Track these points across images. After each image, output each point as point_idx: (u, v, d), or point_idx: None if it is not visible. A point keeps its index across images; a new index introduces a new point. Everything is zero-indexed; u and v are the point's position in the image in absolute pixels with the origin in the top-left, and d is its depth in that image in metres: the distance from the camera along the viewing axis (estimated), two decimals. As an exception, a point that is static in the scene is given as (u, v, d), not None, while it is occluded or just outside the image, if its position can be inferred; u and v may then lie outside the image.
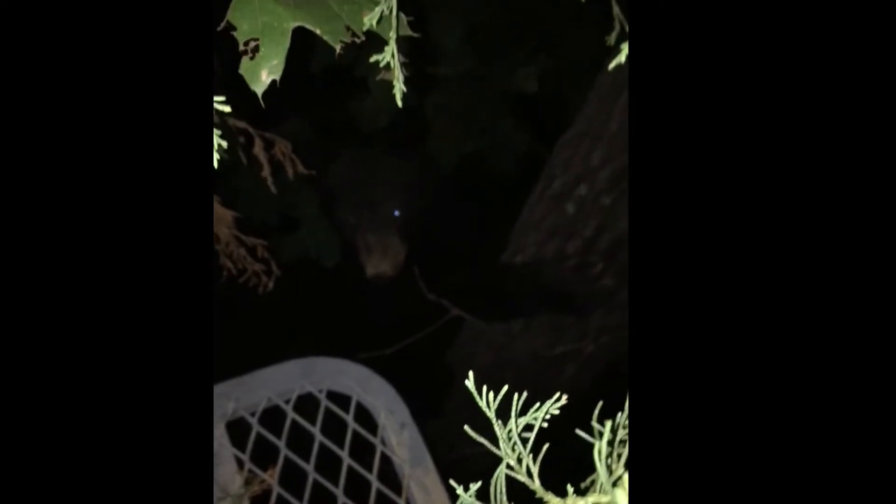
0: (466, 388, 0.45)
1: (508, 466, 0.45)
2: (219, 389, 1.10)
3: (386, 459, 1.10)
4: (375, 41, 0.59)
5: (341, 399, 1.14)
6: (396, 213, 1.67)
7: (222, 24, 0.57)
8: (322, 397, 1.13)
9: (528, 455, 0.44)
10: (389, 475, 1.09)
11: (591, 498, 0.39)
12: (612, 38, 0.68)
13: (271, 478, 1.05)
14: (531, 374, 1.82)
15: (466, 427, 0.46)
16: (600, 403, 0.45)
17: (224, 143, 0.50)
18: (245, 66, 0.56)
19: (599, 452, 0.36)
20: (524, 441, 0.45)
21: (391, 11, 0.57)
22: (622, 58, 0.39)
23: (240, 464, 1.06)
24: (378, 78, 0.60)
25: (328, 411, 1.12)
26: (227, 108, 0.47)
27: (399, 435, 1.12)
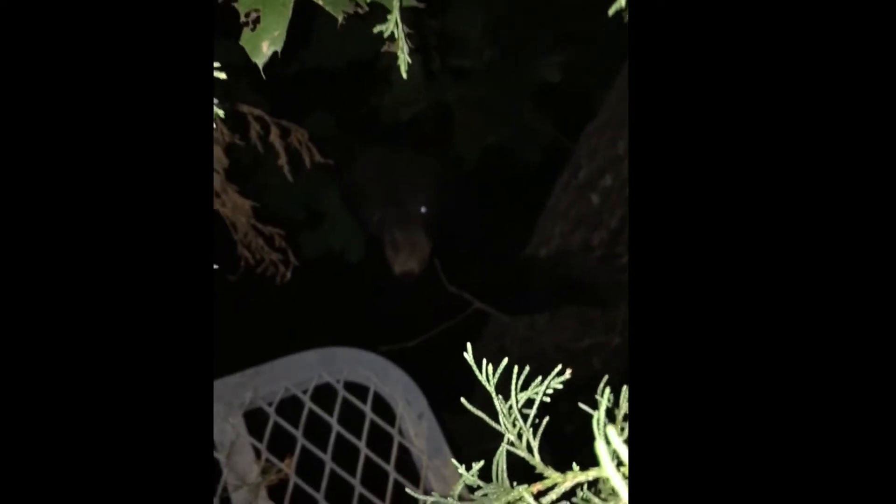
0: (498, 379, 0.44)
1: (509, 442, 0.43)
2: (236, 379, 1.10)
3: (403, 450, 1.09)
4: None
5: (359, 389, 1.13)
6: (423, 209, 1.66)
7: (223, -3, 0.56)
8: (339, 387, 1.12)
9: (529, 430, 0.42)
10: (407, 466, 1.08)
11: (592, 472, 0.37)
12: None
13: (288, 467, 1.05)
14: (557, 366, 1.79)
15: (463, 399, 0.44)
16: (606, 377, 0.43)
17: (221, 113, 0.49)
18: (246, 38, 0.55)
19: (598, 422, 0.34)
20: (525, 417, 0.43)
21: (394, -20, 0.56)
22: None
23: (257, 453, 1.06)
24: (382, 50, 0.59)
25: (346, 401, 1.11)
26: (223, 75, 0.46)
27: (417, 425, 1.11)
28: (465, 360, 0.44)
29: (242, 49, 0.56)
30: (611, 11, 0.34)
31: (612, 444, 0.24)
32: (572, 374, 0.43)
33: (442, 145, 1.85)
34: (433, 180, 1.71)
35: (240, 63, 0.58)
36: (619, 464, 0.33)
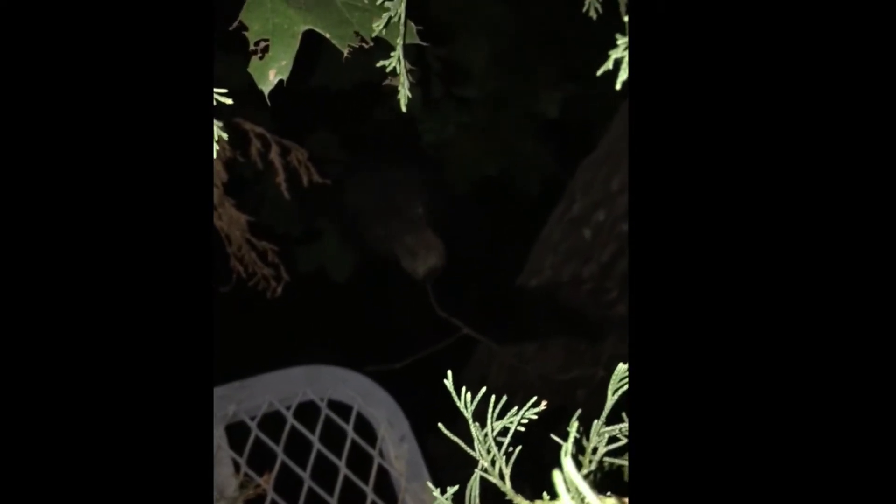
0: (477, 406, 0.45)
1: (483, 469, 0.44)
2: (221, 392, 1.11)
3: (383, 472, 1.10)
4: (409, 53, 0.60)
5: (342, 408, 1.14)
6: (420, 210, 1.69)
7: (235, 24, 0.58)
8: (323, 405, 1.13)
9: (502, 458, 0.44)
10: (386, 488, 1.09)
11: (557, 501, 0.39)
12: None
13: (267, 483, 1.05)
14: (542, 397, 1.80)
15: (440, 425, 0.46)
16: (578, 411, 0.45)
17: (224, 136, 0.51)
18: (254, 66, 0.57)
19: (564, 452, 0.36)
20: (500, 445, 0.45)
21: (399, 19, 0.58)
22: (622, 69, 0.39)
23: (236, 467, 1.06)
24: (384, 83, 0.61)
25: (328, 420, 1.12)
26: (229, 101, 0.48)
27: (398, 448, 1.11)
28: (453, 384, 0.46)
29: (247, 65, 0.58)
30: (599, 72, 0.36)
31: (567, 474, 0.26)
32: (556, 404, 0.45)
33: (439, 171, 1.88)
34: (428, 197, 1.74)
35: (245, 80, 0.60)
36: (580, 495, 0.34)
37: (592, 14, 0.71)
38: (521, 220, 1.88)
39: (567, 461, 0.26)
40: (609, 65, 0.35)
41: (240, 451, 1.07)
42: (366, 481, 1.07)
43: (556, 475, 0.25)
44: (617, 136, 1.67)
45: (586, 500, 0.27)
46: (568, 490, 0.26)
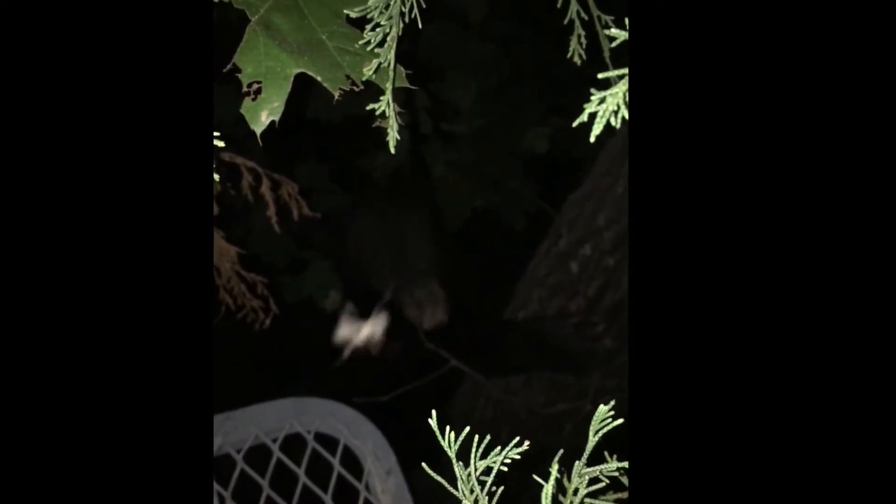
0: (463, 442, 0.46)
1: (466, 508, 0.45)
2: (208, 423, 1.11)
3: (368, 505, 1.09)
4: (399, 94, 0.61)
5: (329, 441, 1.14)
6: (426, 259, 1.70)
7: (229, 66, 0.60)
8: (310, 438, 1.13)
9: (485, 498, 0.45)
10: (371, 522, 1.08)
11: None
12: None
13: (252, 517, 1.05)
14: (529, 430, 1.80)
15: (424, 464, 0.46)
16: (560, 451, 0.46)
17: (216, 177, 0.52)
18: (246, 107, 0.59)
19: (545, 495, 0.36)
20: (482, 484, 0.45)
21: (389, 64, 0.60)
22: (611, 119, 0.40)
23: (221, 500, 1.06)
24: (374, 125, 0.63)
25: (314, 453, 1.12)
26: (221, 144, 0.50)
27: (384, 482, 1.11)
28: (439, 417, 0.47)
29: (238, 100, 0.59)
30: (575, 124, 0.37)
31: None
32: (543, 438, 0.45)
33: (426, 206, 1.90)
34: (424, 239, 1.75)
35: (236, 114, 0.61)
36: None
37: (577, 60, 0.74)
38: (508, 254, 1.90)
39: (545, 504, 0.27)
40: (584, 117, 0.37)
41: (225, 485, 1.07)
42: (351, 516, 1.06)
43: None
44: (602, 171, 1.70)
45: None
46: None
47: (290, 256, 1.85)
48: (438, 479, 0.45)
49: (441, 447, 0.48)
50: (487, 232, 1.97)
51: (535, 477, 0.41)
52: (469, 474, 0.45)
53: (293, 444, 1.13)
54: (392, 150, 0.60)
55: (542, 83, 1.84)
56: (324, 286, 1.78)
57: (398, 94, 0.62)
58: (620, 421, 0.44)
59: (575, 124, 0.37)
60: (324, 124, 1.86)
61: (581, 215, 1.67)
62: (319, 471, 1.11)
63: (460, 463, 0.46)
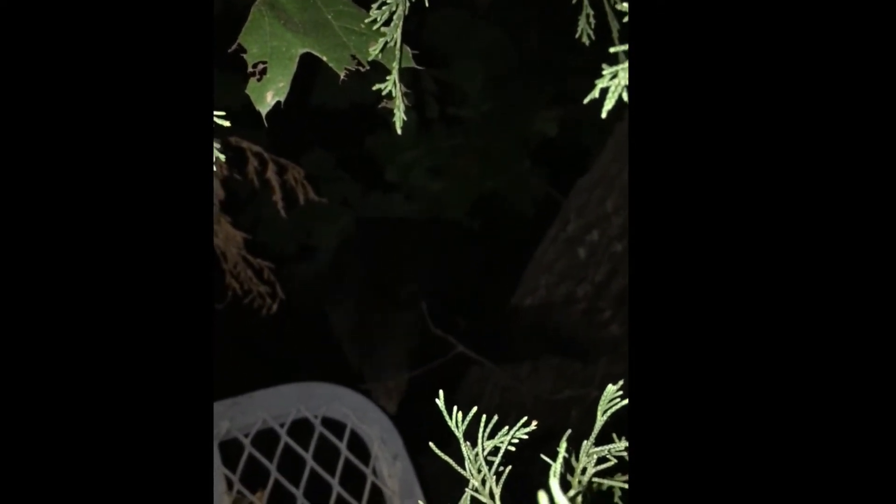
0: (469, 425, 0.46)
1: (473, 488, 0.45)
2: (214, 408, 1.11)
3: (376, 490, 1.09)
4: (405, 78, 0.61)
5: (336, 426, 1.14)
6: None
7: (234, 46, 0.59)
8: (317, 423, 1.13)
9: (492, 477, 0.44)
10: (379, 506, 1.09)
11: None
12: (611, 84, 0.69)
13: (260, 500, 1.05)
14: (536, 416, 1.80)
15: (431, 444, 0.46)
16: (568, 431, 0.45)
17: (222, 157, 0.52)
18: (252, 87, 0.58)
19: (553, 473, 0.36)
20: (490, 464, 0.45)
21: (395, 43, 0.59)
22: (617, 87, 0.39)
23: (229, 484, 1.06)
24: (380, 106, 0.62)
25: (322, 437, 1.12)
26: (227, 123, 0.49)
27: (391, 466, 1.11)
28: (446, 403, 0.46)
29: (243, 83, 0.59)
30: (586, 101, 0.37)
31: (553, 495, 0.26)
32: (549, 424, 0.45)
33: (434, 192, 1.89)
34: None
35: (242, 99, 0.61)
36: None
37: (585, 40, 0.73)
38: (515, 239, 1.89)
39: (553, 482, 0.27)
40: (595, 93, 0.36)
41: (233, 469, 1.07)
42: (359, 499, 1.07)
43: (542, 496, 0.25)
44: (611, 157, 1.69)
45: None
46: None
47: (298, 244, 1.86)
48: (446, 458, 0.45)
49: (448, 432, 0.48)
50: (495, 217, 1.97)
51: (543, 457, 0.41)
52: (476, 454, 0.45)
53: (300, 428, 1.14)
54: (398, 131, 0.59)
55: (550, 68, 1.83)
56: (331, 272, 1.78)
57: (404, 75, 0.61)
58: (625, 402, 0.44)
59: (586, 101, 0.36)
60: (330, 111, 1.85)
61: (589, 201, 1.67)
62: (327, 455, 1.11)
63: (468, 443, 0.46)
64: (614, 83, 0.34)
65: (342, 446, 1.12)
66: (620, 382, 0.47)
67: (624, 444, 0.45)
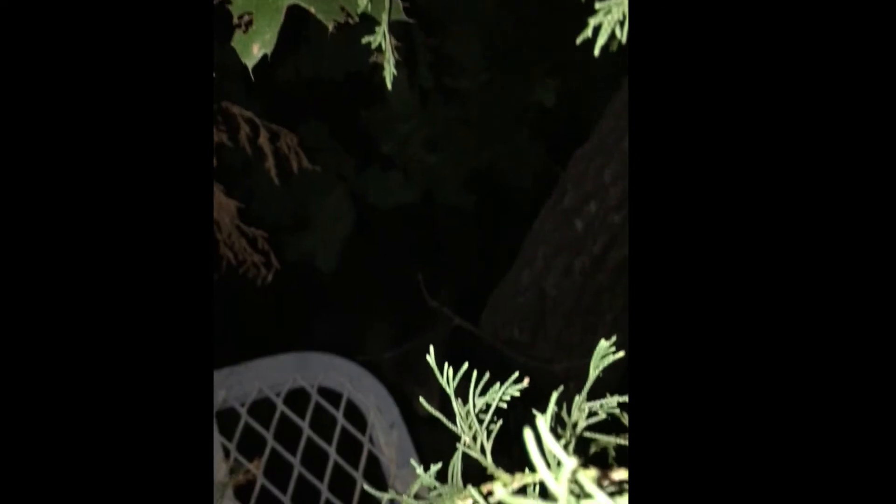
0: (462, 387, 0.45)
1: (465, 445, 0.44)
2: (211, 377, 1.11)
3: (373, 458, 1.09)
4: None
5: (332, 395, 1.14)
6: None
7: (219, -1, 0.58)
8: (313, 392, 1.13)
9: (483, 433, 0.44)
10: (375, 474, 1.09)
11: (538, 474, 0.38)
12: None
13: (257, 468, 1.05)
14: (532, 387, 1.81)
15: (422, 398, 0.45)
16: (561, 387, 0.45)
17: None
18: (238, 40, 0.57)
19: (545, 419, 0.35)
20: (481, 422, 0.44)
21: (385, -6, 0.58)
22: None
23: (226, 453, 1.06)
24: (371, 60, 0.61)
25: (318, 406, 1.12)
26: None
27: (388, 435, 1.11)
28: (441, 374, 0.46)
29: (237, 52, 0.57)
30: (578, 40, 0.35)
31: (544, 442, 0.26)
32: (547, 394, 0.44)
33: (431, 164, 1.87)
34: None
35: (236, 67, 0.59)
36: (559, 464, 0.34)
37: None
38: (513, 211, 1.88)
39: (540, 421, 0.26)
40: (588, 32, 0.35)
41: (229, 437, 1.07)
42: (356, 467, 1.07)
43: (527, 433, 0.25)
44: (609, 127, 1.67)
45: (562, 465, 0.27)
46: (542, 454, 0.26)
47: (293, 215, 1.84)
48: (437, 413, 0.44)
49: (445, 401, 0.47)
50: (492, 191, 1.95)
51: (535, 412, 0.40)
52: (468, 412, 0.44)
53: (297, 398, 1.14)
54: (388, 86, 0.58)
55: (548, 37, 1.80)
56: (320, 247, 1.77)
57: (399, 48, 0.60)
58: (622, 354, 0.43)
59: (579, 41, 0.35)
60: (323, 81, 1.83)
61: (587, 171, 1.65)
62: (323, 424, 1.11)
63: (459, 400, 0.45)
64: (608, 19, 0.33)
65: (339, 415, 1.11)
66: (614, 338, 0.46)
67: (616, 399, 0.44)
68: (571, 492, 0.31)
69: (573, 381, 1.99)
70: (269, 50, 0.56)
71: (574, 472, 0.25)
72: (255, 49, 0.56)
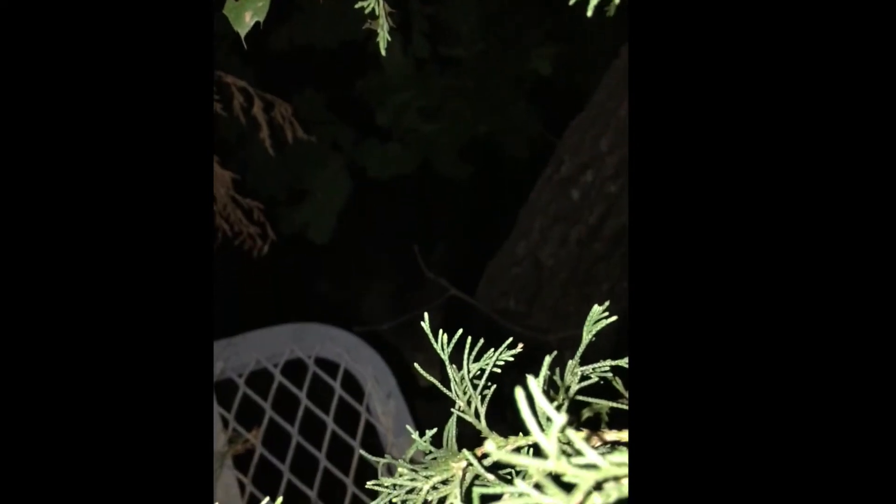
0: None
1: (460, 409, 0.45)
2: (208, 348, 1.11)
3: (370, 427, 1.11)
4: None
5: (330, 366, 1.15)
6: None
7: (209, -35, 0.57)
8: (310, 363, 1.14)
9: (478, 398, 0.44)
10: (373, 443, 1.10)
11: (531, 437, 0.39)
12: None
13: (255, 438, 1.06)
14: (528, 357, 1.82)
15: (416, 364, 0.46)
16: (555, 353, 0.45)
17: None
18: (229, 7, 0.56)
19: (539, 381, 0.36)
20: (475, 387, 0.45)
21: (378, -41, 0.57)
22: None
23: (225, 423, 1.07)
24: (364, 27, 0.60)
25: (315, 377, 1.12)
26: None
27: (385, 404, 1.12)
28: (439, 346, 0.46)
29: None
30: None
31: (536, 403, 0.26)
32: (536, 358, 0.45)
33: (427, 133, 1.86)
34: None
35: (228, 35, 0.59)
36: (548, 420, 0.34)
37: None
38: (509, 181, 1.88)
39: (532, 382, 0.26)
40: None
41: (228, 408, 1.08)
42: (353, 436, 1.08)
43: (518, 392, 0.25)
44: (606, 96, 1.66)
45: (552, 422, 0.27)
46: (534, 415, 0.27)
47: (289, 187, 1.83)
48: (430, 378, 0.44)
49: (441, 373, 0.47)
50: (489, 161, 1.94)
51: (528, 376, 0.40)
52: (462, 377, 0.45)
53: (295, 368, 1.14)
54: (382, 52, 0.57)
55: (544, 5, 1.78)
56: (315, 219, 1.76)
57: (395, 15, 0.59)
58: (614, 318, 0.43)
59: (572, 1, 0.34)
60: (317, 50, 1.81)
61: (584, 140, 1.64)
62: (321, 394, 1.12)
63: (453, 366, 0.45)
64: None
65: (336, 385, 1.12)
66: (607, 303, 0.46)
67: (609, 362, 0.45)
68: (563, 452, 0.31)
69: (569, 351, 2.00)
70: (261, 18, 0.55)
71: (563, 429, 0.25)
72: (247, 17, 0.55)
